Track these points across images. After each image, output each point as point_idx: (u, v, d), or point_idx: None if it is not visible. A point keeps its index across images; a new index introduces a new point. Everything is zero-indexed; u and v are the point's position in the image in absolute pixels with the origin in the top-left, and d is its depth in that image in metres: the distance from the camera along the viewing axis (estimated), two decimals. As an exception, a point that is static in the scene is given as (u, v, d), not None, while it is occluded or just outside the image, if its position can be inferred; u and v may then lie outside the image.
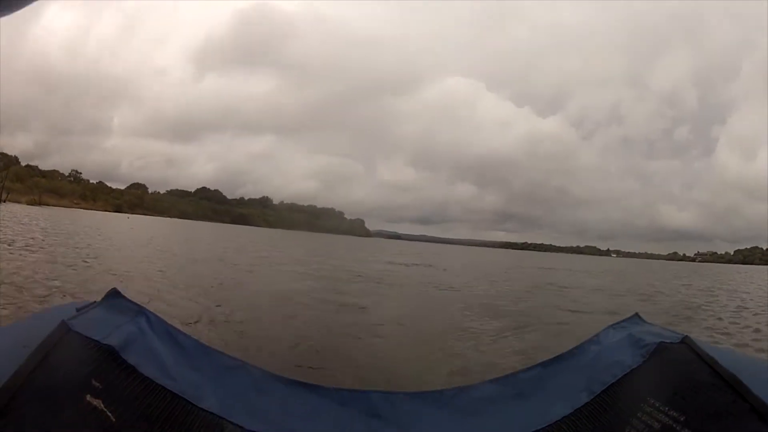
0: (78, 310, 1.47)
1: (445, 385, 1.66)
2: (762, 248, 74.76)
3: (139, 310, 1.60)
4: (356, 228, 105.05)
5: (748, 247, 75.42)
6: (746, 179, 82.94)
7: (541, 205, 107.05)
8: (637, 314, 1.81)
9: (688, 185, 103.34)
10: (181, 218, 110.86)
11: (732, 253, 76.68)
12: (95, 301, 1.60)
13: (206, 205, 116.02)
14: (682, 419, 1.17)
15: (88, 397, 1.16)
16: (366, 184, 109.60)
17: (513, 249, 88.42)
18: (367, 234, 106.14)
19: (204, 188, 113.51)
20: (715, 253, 77.81)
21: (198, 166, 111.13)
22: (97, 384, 1.19)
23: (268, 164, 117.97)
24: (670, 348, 1.42)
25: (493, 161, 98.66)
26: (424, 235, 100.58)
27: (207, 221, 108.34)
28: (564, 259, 70.58)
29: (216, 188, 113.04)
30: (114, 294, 1.64)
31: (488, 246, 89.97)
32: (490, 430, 1.57)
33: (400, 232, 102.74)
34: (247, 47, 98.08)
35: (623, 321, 1.78)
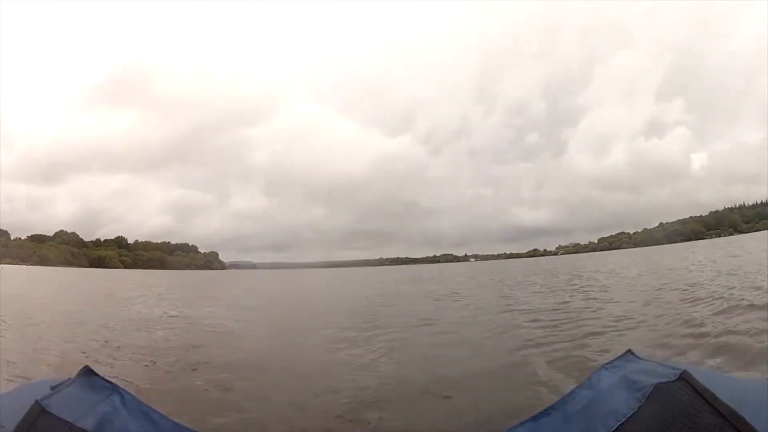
0: (52, 388, 1.44)
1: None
2: (628, 233, 66.19)
3: (114, 389, 1.56)
4: (211, 261, 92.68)
5: (614, 233, 66.54)
6: (599, 174, 79.91)
7: (392, 220, 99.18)
8: (630, 351, 1.71)
9: (540, 185, 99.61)
10: (42, 265, 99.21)
11: (596, 241, 67.47)
12: (69, 379, 1.54)
13: (65, 249, 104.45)
14: None
15: None
16: (219, 215, 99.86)
17: (368, 266, 77.83)
18: (223, 267, 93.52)
19: (62, 231, 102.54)
20: (578, 244, 69.88)
21: (59, 208, 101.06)
22: None
23: (125, 202, 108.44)
24: (668, 388, 1.35)
25: (343, 183, 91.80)
26: (279, 262, 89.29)
27: (67, 266, 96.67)
28: (416, 270, 62.39)
29: (73, 230, 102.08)
30: (87, 372, 1.59)
31: (343, 266, 78.98)
32: None
33: (255, 262, 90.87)
34: (117, 84, 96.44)
35: (616, 360, 1.69)
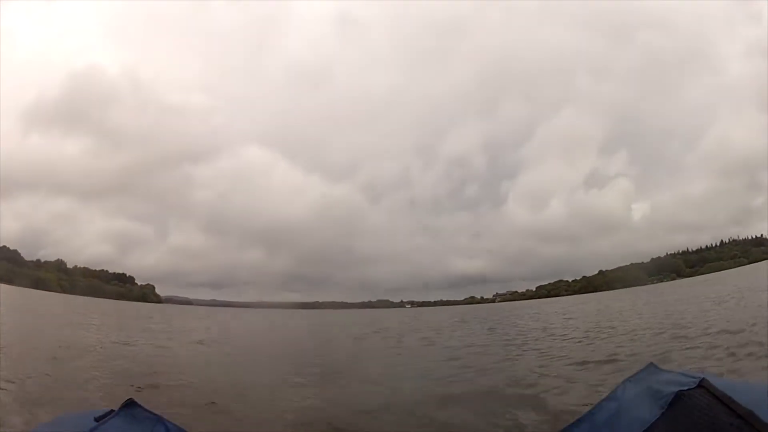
0: (96, 419, 1.49)
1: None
2: (567, 281, 62.00)
3: (158, 420, 1.60)
4: (147, 294, 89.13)
5: (552, 281, 62.20)
6: (538, 225, 76.42)
7: (330, 265, 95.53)
8: (652, 363, 1.81)
9: (478, 235, 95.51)
10: None
11: (534, 289, 62.86)
12: (112, 410, 1.59)
13: (7, 266, 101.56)
14: None
15: None
16: (158, 249, 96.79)
17: (305, 309, 74.43)
18: (159, 300, 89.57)
19: (5, 247, 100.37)
20: (516, 291, 66.20)
21: (3, 224, 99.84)
22: None
23: (67, 226, 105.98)
24: (688, 395, 1.46)
25: (283, 226, 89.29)
26: (215, 300, 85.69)
27: (6, 284, 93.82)
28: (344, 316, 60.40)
29: (15, 248, 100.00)
30: (130, 404, 1.64)
31: (280, 308, 75.61)
32: None
33: (191, 298, 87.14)
34: (72, 109, 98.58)
35: (639, 372, 1.77)
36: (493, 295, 66.07)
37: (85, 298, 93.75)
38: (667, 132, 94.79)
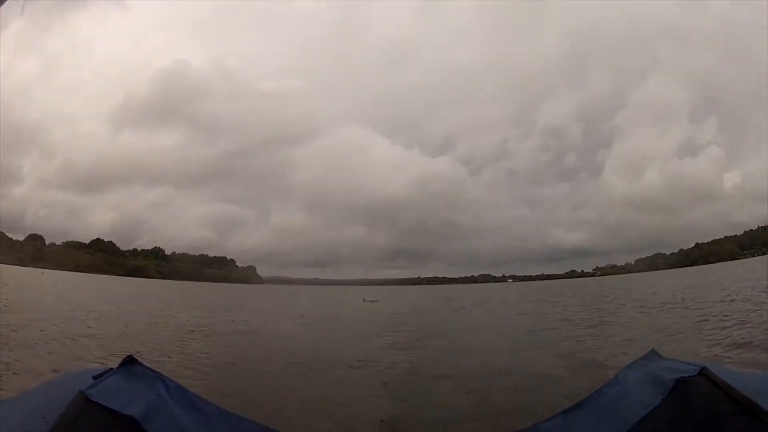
0: (94, 377, 1.47)
1: None
2: (665, 254, 68.35)
3: (157, 377, 1.59)
4: (248, 275, 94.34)
5: (650, 255, 68.87)
6: (634, 195, 79.99)
7: (430, 239, 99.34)
8: (653, 350, 1.90)
9: (577, 206, 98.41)
10: (76, 271, 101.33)
11: (633, 263, 69.45)
12: (111, 368, 1.59)
13: (101, 257, 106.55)
14: None
15: None
16: (258, 230, 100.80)
17: (406, 285, 79.68)
18: (260, 281, 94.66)
19: (98, 239, 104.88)
20: (615, 265, 71.67)
21: (96, 217, 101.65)
22: None
23: (164, 215, 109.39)
24: (689, 382, 1.50)
25: (383, 202, 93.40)
26: (317, 278, 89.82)
27: (102, 274, 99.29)
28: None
29: (110, 239, 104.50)
30: (130, 361, 1.63)
31: (382, 284, 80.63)
32: None
33: (292, 277, 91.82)
34: (163, 105, 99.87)
35: (640, 359, 1.86)
36: (594, 269, 71.61)
37: (187, 282, 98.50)
38: (750, 98, 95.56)
